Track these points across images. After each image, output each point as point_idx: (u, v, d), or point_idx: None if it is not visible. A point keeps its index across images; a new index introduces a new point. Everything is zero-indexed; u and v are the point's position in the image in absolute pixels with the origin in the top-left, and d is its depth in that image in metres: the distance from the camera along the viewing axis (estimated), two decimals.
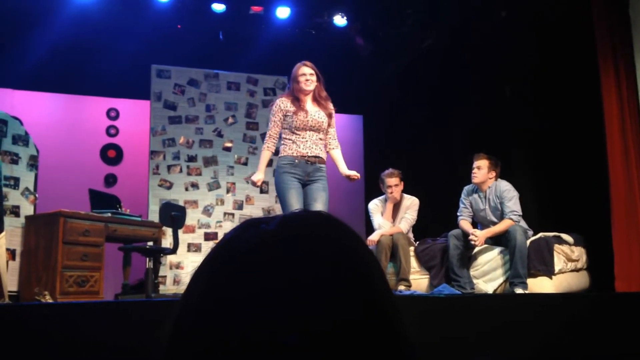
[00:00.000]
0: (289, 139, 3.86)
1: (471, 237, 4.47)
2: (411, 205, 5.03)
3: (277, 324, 0.47)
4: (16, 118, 5.40)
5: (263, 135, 6.86)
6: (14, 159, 5.11)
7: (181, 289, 6.22)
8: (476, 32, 6.17)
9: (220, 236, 6.46)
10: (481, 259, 4.66)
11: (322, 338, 0.47)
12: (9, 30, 6.00)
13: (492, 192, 4.66)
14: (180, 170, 6.56)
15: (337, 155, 4.04)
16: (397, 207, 5.06)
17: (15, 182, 5.08)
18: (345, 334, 0.47)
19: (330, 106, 4.00)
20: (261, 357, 0.46)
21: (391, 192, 4.96)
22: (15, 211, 5.02)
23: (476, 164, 4.65)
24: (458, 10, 6.16)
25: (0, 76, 6.17)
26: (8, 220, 4.86)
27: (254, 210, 6.69)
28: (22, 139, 5.24)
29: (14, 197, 5.05)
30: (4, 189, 4.88)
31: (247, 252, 0.51)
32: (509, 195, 4.58)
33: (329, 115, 3.96)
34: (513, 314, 3.12)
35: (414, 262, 4.84)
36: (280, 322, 0.47)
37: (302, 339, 0.46)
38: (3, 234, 4.57)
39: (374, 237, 4.82)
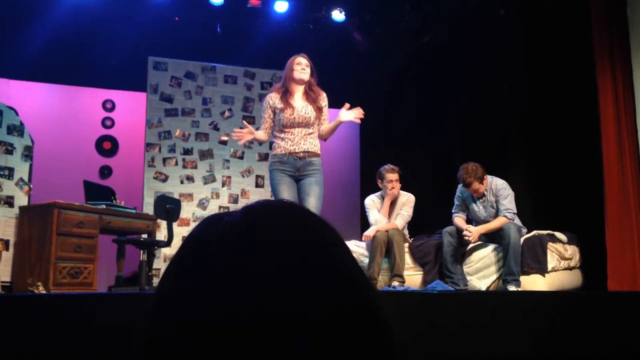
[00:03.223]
0: (278, 137, 3.91)
1: (465, 232, 4.49)
2: (407, 201, 5.03)
3: (243, 317, 0.48)
4: (11, 108, 5.37)
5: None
6: (9, 149, 5.10)
7: None
8: (474, 30, 6.17)
9: None
10: (475, 256, 4.67)
11: (285, 326, 0.48)
12: (6, 20, 5.97)
13: (487, 190, 4.67)
14: (176, 163, 6.55)
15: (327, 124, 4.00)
16: (393, 203, 5.05)
17: (9, 173, 5.06)
18: (308, 321, 0.48)
19: (321, 99, 3.99)
20: (227, 346, 0.47)
21: (392, 188, 4.95)
22: (9, 201, 5.01)
23: (471, 190, 4.61)
24: (456, 7, 6.16)
25: None
26: (2, 210, 4.85)
27: None
28: (17, 129, 5.22)
29: (8, 188, 5.03)
30: None
31: (210, 246, 0.53)
32: (505, 193, 4.59)
33: (319, 110, 3.95)
34: (506, 311, 3.13)
35: (408, 258, 4.84)
36: (246, 315, 0.48)
37: (269, 329, 0.47)
38: None
39: (369, 233, 4.82)
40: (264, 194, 6.77)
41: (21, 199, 5.11)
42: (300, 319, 0.48)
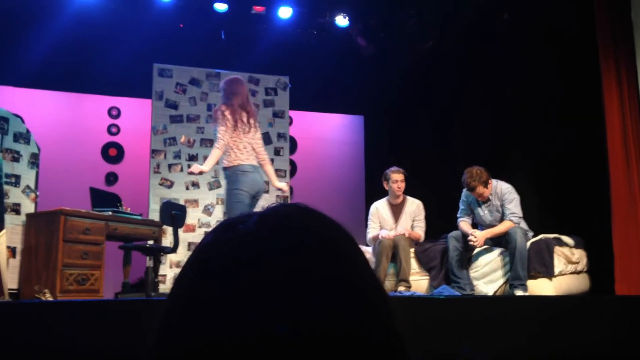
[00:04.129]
0: None
1: (470, 237, 4.47)
2: (417, 209, 5.03)
3: (261, 324, 0.47)
4: (17, 116, 5.40)
5: (264, 136, 6.87)
6: (15, 157, 5.11)
7: None
8: (478, 33, 6.18)
9: None
10: (481, 261, 4.66)
11: (305, 333, 0.47)
12: (11, 28, 6.01)
13: (492, 194, 4.66)
14: (181, 169, 6.55)
15: None
16: (400, 208, 5.04)
17: (16, 180, 5.08)
18: (327, 326, 0.47)
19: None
20: (242, 357, 0.46)
21: (397, 188, 4.95)
22: (16, 209, 5.03)
23: (475, 194, 4.61)
24: (461, 12, 6.16)
25: (1, 74, 6.18)
26: (9, 217, 4.87)
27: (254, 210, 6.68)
28: (24, 137, 5.24)
29: (14, 195, 5.05)
30: (5, 187, 4.89)
31: (227, 255, 0.51)
32: (510, 197, 4.58)
33: None
34: (513, 315, 3.12)
35: (414, 263, 4.84)
36: (265, 321, 0.47)
37: (285, 336, 0.46)
38: (4, 231, 4.57)
39: (387, 234, 4.82)
40: (269, 199, 6.77)
41: (28, 207, 5.12)
42: (311, 335, 0.47)
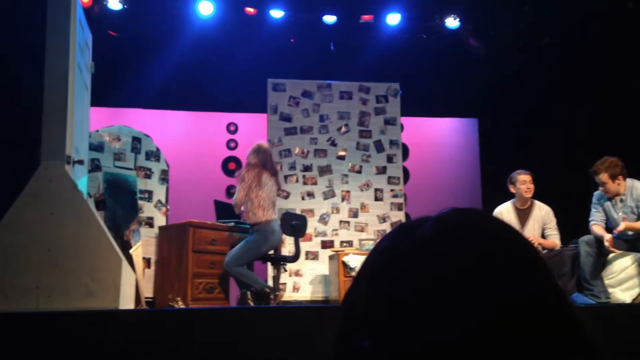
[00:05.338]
0: None
1: (605, 242, 4.17)
2: (547, 216, 4.76)
3: (448, 324, 0.47)
4: (147, 135, 5.83)
5: (376, 143, 6.91)
6: (148, 174, 5.52)
7: (301, 295, 6.33)
8: (600, 25, 5.77)
9: (336, 244, 6.54)
10: (616, 267, 4.33)
11: (495, 334, 0.47)
12: (138, 55, 6.52)
13: (627, 195, 4.32)
14: (297, 180, 6.72)
15: None
16: (527, 213, 4.79)
17: (149, 195, 5.48)
18: (518, 327, 0.47)
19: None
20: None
21: (527, 189, 4.71)
22: (149, 222, 5.41)
23: (597, 180, 4.32)
24: (579, 3, 5.79)
25: (133, 97, 6.72)
26: (143, 231, 5.25)
27: (369, 218, 6.70)
28: (154, 155, 5.64)
29: (148, 209, 5.44)
30: (140, 202, 5.29)
31: (406, 258, 0.52)
32: None
33: None
34: None
35: None
36: (450, 322, 0.47)
37: (477, 336, 0.46)
38: (139, 243, 4.94)
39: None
40: (384, 207, 6.76)
41: (160, 220, 5.50)
42: (502, 338, 0.46)
